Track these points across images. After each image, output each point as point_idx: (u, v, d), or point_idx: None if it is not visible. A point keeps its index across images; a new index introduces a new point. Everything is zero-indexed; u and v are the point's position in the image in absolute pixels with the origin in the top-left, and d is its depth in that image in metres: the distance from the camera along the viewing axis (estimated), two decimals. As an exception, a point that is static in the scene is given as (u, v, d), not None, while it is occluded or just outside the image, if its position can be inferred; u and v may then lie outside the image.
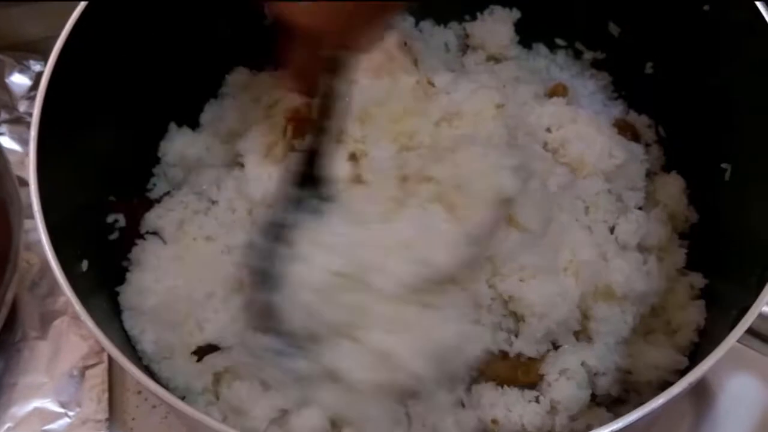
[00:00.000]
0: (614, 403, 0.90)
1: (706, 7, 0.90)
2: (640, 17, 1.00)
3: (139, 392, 1.01)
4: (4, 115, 1.16)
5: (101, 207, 0.95)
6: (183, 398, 0.87)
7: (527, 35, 1.07)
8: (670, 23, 0.96)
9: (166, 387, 0.84)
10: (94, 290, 0.85)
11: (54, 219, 0.79)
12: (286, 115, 0.95)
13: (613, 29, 1.04)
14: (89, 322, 0.76)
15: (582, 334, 0.91)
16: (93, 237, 0.91)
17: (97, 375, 1.01)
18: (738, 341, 0.71)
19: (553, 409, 0.87)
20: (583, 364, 0.88)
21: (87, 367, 1.01)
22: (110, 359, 1.00)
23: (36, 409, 0.99)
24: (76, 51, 0.85)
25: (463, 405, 0.88)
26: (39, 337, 1.03)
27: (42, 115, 0.81)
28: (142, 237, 0.98)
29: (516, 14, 1.07)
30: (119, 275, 0.95)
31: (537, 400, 0.88)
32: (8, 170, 0.99)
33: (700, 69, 0.95)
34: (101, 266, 0.88)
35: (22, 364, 1.01)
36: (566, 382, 0.87)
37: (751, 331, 0.71)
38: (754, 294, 0.70)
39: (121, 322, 0.92)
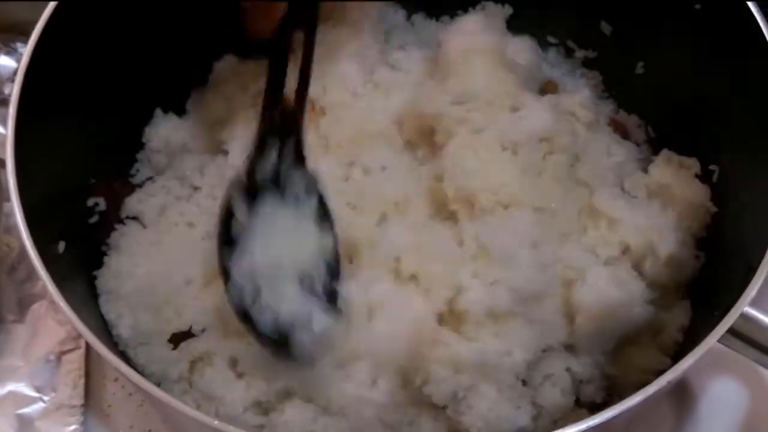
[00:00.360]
0: (598, 406, 0.89)
1: (697, 6, 0.89)
2: (633, 16, 1.00)
3: (116, 379, 1.00)
4: (-10, 97, 1.15)
5: (82, 190, 0.94)
6: (158, 385, 0.86)
7: (518, 32, 1.05)
8: (661, 22, 0.96)
9: (141, 373, 0.83)
10: (71, 274, 0.85)
11: (31, 200, 0.78)
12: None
13: (605, 28, 1.04)
14: (63, 305, 0.75)
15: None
16: (72, 220, 0.90)
17: (74, 360, 1.00)
18: (720, 342, 0.71)
19: (537, 414, 0.86)
20: (568, 370, 0.87)
21: (64, 353, 1.00)
22: (87, 345, 0.99)
23: (10, 393, 0.97)
24: (59, 33, 0.84)
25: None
26: (16, 321, 1.02)
27: (22, 96, 0.81)
28: (122, 222, 0.97)
29: (508, 10, 1.06)
30: (98, 259, 0.94)
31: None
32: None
33: (691, 69, 0.94)
34: (79, 250, 0.88)
35: (-1, 346, 1.00)
36: (551, 387, 0.86)
37: (733, 332, 0.70)
38: (737, 294, 0.69)
39: (98, 306, 0.91)
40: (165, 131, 1.01)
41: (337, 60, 0.99)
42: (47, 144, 0.85)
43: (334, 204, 0.88)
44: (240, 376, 0.86)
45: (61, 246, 0.83)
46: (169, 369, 0.88)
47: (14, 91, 0.80)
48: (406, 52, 1.04)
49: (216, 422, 0.67)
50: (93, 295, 0.92)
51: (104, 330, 0.90)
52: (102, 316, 0.91)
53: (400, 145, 0.96)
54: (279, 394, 0.86)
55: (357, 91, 0.99)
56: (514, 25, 1.06)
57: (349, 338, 0.83)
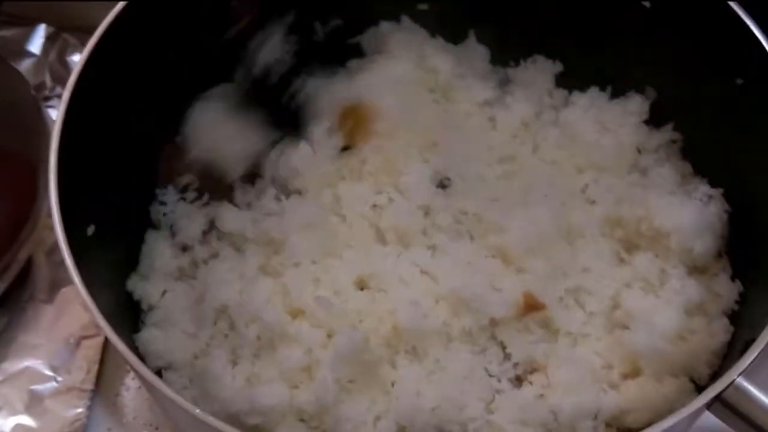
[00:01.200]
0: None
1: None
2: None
3: (129, 371, 1.03)
4: (59, 90, 1.21)
5: (125, 174, 0.95)
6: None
7: (566, 86, 1.07)
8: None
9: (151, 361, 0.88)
10: (97, 255, 0.86)
11: (69, 177, 0.82)
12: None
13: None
14: (78, 281, 0.77)
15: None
16: (109, 201, 0.92)
17: (92, 347, 1.03)
18: (712, 412, 0.69)
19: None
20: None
21: (84, 337, 1.03)
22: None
23: (27, 368, 1.01)
24: (124, 30, 0.89)
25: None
26: (45, 301, 1.06)
27: (80, 78, 0.85)
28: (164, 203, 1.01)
29: (558, 67, 1.07)
30: (130, 244, 0.98)
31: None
32: (47, 135, 1.03)
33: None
34: (111, 232, 0.90)
35: (24, 323, 1.04)
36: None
37: (725, 403, 0.69)
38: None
39: (125, 294, 0.95)
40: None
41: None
42: (97, 129, 0.88)
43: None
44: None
45: (91, 229, 0.87)
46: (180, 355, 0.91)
47: (74, 74, 0.85)
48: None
49: (197, 411, 0.69)
50: (120, 280, 0.95)
51: (125, 318, 0.93)
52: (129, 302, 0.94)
53: None
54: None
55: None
56: (562, 80, 1.07)
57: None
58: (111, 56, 0.89)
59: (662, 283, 0.91)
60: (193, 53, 0.98)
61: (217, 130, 1.00)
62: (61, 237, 0.79)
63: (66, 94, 0.84)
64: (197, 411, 0.69)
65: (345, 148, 1.01)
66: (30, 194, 0.99)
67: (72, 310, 1.05)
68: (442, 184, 0.98)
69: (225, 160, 1.01)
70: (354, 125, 1.00)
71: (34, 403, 0.99)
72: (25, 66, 1.22)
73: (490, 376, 0.89)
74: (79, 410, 0.99)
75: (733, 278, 0.91)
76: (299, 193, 0.98)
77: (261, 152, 1.01)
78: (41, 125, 1.05)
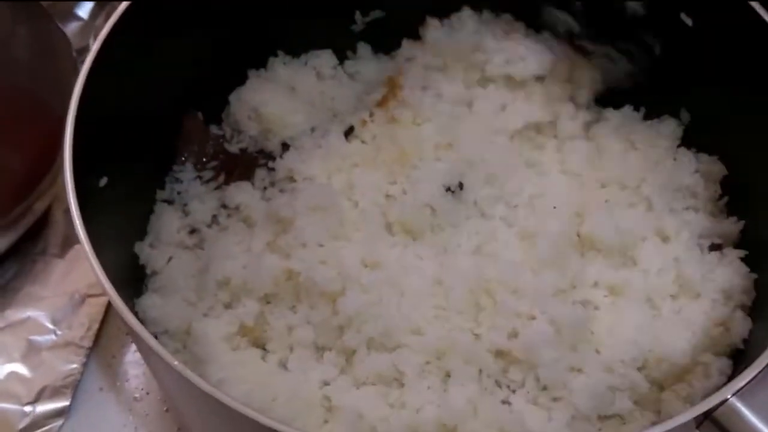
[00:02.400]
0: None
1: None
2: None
3: (128, 333, 1.03)
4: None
5: (145, 126, 0.95)
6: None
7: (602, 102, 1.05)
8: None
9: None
10: (108, 212, 0.87)
11: (88, 127, 0.82)
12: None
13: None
14: (82, 234, 0.77)
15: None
16: (125, 160, 0.91)
17: (96, 305, 1.04)
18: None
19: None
20: None
21: (90, 295, 1.04)
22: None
23: (29, 318, 1.02)
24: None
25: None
26: (57, 255, 1.07)
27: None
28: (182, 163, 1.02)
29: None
30: (141, 213, 0.98)
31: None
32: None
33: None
34: (124, 186, 0.90)
35: (33, 274, 1.05)
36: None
37: (717, 424, 0.66)
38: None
39: (133, 257, 0.95)
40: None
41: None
42: (126, 69, 0.89)
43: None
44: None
45: (103, 181, 0.87)
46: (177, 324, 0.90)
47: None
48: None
49: (175, 362, 0.67)
50: (128, 244, 0.95)
51: (129, 281, 0.93)
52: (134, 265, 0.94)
53: None
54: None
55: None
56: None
57: None
58: (144, 18, 0.89)
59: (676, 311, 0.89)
60: (226, 33, 1.01)
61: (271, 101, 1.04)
62: (69, 177, 0.79)
63: (96, 45, 0.85)
64: (176, 363, 0.68)
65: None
66: (54, 147, 1.00)
67: (81, 268, 1.06)
68: (459, 185, 0.97)
69: (273, 126, 1.04)
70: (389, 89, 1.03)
71: (31, 354, 1.00)
72: (71, 28, 1.25)
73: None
74: (74, 366, 1.00)
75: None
76: (312, 178, 0.98)
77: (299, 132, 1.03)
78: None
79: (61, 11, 1.24)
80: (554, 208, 0.93)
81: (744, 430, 0.65)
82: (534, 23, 1.05)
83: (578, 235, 0.93)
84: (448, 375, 0.86)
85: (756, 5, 0.85)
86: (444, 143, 0.98)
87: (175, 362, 0.70)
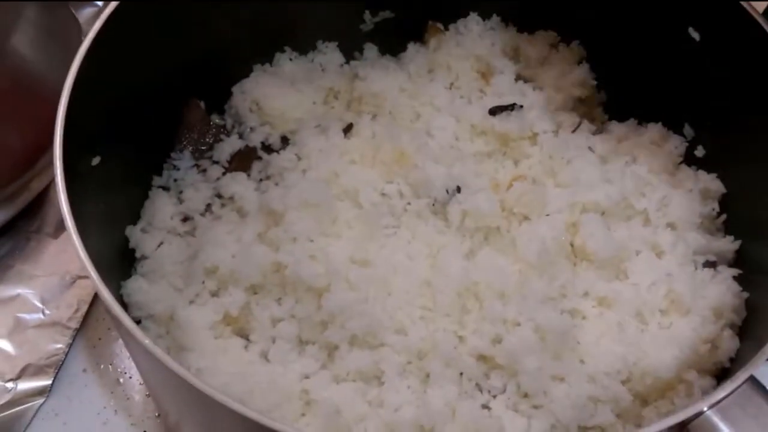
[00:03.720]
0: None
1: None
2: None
3: (108, 318, 1.03)
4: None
5: (141, 117, 0.94)
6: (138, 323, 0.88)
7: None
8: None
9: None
10: (100, 189, 0.87)
11: (83, 105, 0.82)
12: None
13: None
14: (67, 214, 0.77)
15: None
16: (120, 135, 0.91)
17: (86, 287, 1.04)
18: None
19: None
20: None
21: (80, 277, 1.04)
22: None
23: (19, 296, 1.02)
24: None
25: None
26: (51, 235, 1.07)
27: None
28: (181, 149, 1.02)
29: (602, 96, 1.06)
30: (135, 198, 0.98)
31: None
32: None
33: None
34: (119, 169, 0.90)
35: (26, 252, 1.05)
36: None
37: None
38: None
39: (124, 240, 0.95)
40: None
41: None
42: (127, 52, 0.88)
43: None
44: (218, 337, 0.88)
45: (96, 160, 0.87)
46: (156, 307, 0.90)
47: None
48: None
49: (146, 341, 0.67)
50: (120, 227, 0.95)
51: (117, 264, 0.93)
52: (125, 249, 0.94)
53: None
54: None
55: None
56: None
57: None
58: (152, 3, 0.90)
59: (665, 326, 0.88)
60: (235, 26, 1.01)
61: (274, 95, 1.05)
62: (58, 151, 0.79)
63: (97, 23, 0.86)
64: (146, 341, 0.67)
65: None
66: (52, 126, 1.00)
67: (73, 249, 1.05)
68: (456, 189, 0.96)
69: (274, 119, 1.05)
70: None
71: (17, 331, 1.00)
72: (84, 14, 1.26)
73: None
74: (59, 346, 0.99)
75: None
76: (308, 173, 0.98)
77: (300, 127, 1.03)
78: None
79: (79, -3, 1.26)
80: (547, 215, 0.92)
81: (718, 444, 0.64)
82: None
83: (572, 245, 0.93)
84: (428, 376, 0.85)
85: (761, 19, 0.84)
86: (444, 146, 0.98)
87: (147, 341, 0.69)
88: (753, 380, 0.65)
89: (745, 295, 0.87)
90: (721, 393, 0.63)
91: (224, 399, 0.65)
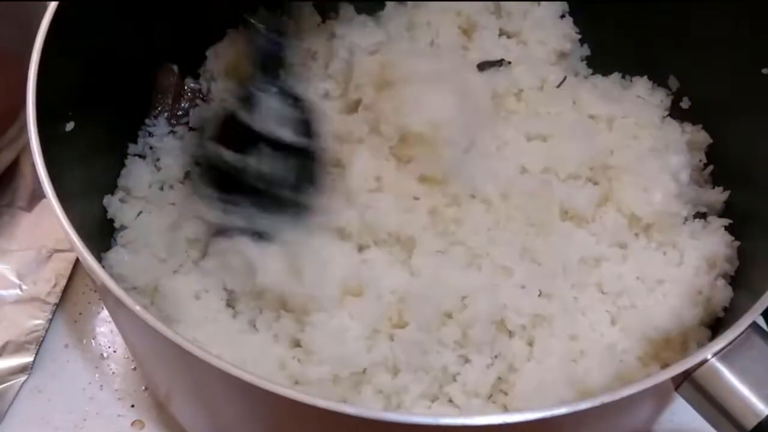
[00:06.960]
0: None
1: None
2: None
3: (95, 290, 1.00)
4: None
5: (114, 82, 0.91)
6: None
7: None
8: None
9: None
10: (75, 157, 0.83)
11: (54, 70, 0.79)
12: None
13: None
14: (46, 181, 0.74)
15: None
16: (93, 99, 0.87)
17: (64, 261, 1.00)
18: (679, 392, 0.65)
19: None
20: None
21: (57, 251, 1.01)
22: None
23: (-7, 271, 0.99)
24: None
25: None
26: (24, 209, 1.04)
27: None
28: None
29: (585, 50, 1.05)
30: (111, 166, 0.95)
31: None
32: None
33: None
34: (93, 136, 0.87)
35: (-1, 227, 1.02)
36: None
37: (696, 385, 0.64)
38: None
39: (102, 210, 0.92)
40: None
41: None
42: (97, 14, 0.85)
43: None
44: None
45: (70, 125, 0.84)
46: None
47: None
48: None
49: (137, 307, 0.65)
50: (97, 196, 0.93)
51: (97, 234, 0.91)
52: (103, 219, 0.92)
53: None
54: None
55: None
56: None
57: None
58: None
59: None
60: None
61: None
62: (32, 115, 0.76)
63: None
64: (137, 308, 0.65)
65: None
66: (20, 96, 0.96)
67: (49, 222, 1.02)
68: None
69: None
70: None
71: (-7, 307, 0.97)
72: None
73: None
74: (38, 322, 0.96)
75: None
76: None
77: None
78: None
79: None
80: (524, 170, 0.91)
81: (724, 392, 0.63)
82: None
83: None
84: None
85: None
86: None
87: (138, 307, 0.67)
88: (755, 326, 0.64)
89: (737, 244, 0.87)
90: (724, 340, 0.62)
91: (222, 364, 0.62)
